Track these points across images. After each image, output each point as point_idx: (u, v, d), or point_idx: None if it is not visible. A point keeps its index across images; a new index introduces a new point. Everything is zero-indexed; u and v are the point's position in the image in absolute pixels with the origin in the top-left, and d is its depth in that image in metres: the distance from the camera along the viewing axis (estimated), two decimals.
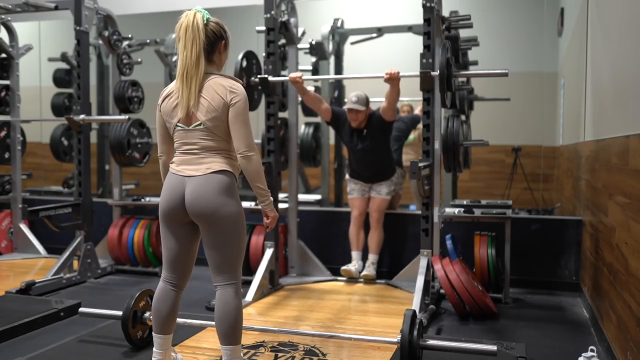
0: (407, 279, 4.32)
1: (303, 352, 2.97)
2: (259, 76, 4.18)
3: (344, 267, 4.41)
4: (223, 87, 2.31)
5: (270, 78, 4.15)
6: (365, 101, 4.43)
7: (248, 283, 4.15)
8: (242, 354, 2.48)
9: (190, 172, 2.32)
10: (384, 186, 4.58)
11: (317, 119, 5.72)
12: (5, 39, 5.44)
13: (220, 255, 2.35)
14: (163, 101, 2.41)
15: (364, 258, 4.55)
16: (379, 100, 4.49)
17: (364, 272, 4.43)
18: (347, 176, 4.82)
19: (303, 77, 4.16)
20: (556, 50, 6.26)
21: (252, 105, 4.43)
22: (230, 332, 2.37)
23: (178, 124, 2.35)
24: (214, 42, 2.36)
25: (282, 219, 4.61)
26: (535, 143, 6.39)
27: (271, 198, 2.46)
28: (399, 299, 4.08)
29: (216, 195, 2.29)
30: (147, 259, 4.78)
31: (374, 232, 4.54)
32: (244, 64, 4.28)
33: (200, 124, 2.31)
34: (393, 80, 3.96)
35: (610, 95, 3.17)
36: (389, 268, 4.54)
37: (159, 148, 2.49)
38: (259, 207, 2.52)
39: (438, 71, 3.61)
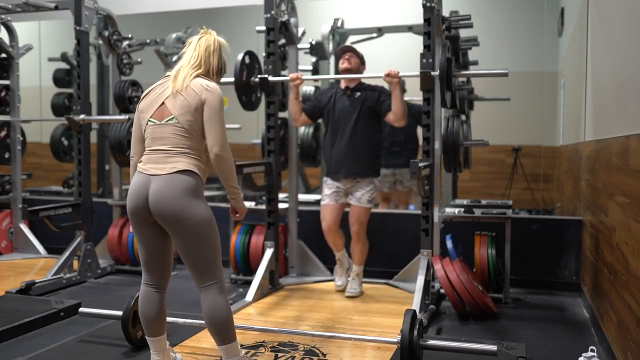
0: (407, 279, 4.33)
1: (303, 352, 2.97)
2: (259, 76, 4.18)
3: (336, 288, 4.23)
4: (200, 85, 2.36)
5: (271, 78, 4.15)
6: (359, 53, 4.16)
7: (248, 283, 4.16)
8: (240, 350, 2.48)
9: (155, 170, 2.31)
10: (365, 193, 4.04)
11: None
12: (5, 39, 5.44)
13: (194, 259, 2.34)
14: (142, 100, 2.45)
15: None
16: None
17: (348, 292, 4.11)
18: (324, 178, 4.27)
19: (303, 77, 4.12)
20: (556, 50, 6.26)
21: (252, 105, 4.42)
22: (224, 331, 2.37)
23: (150, 119, 2.37)
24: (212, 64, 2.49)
25: (282, 218, 4.61)
26: (535, 143, 6.39)
27: (242, 195, 2.53)
28: (399, 299, 4.08)
29: (180, 196, 2.27)
30: None
31: (356, 245, 4.12)
32: (246, 62, 4.24)
33: (172, 119, 2.33)
34: (392, 78, 3.85)
35: (610, 95, 3.17)
36: (389, 268, 4.53)
37: (132, 149, 2.48)
38: (228, 204, 2.58)
39: (438, 71, 3.61)
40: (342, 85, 4.17)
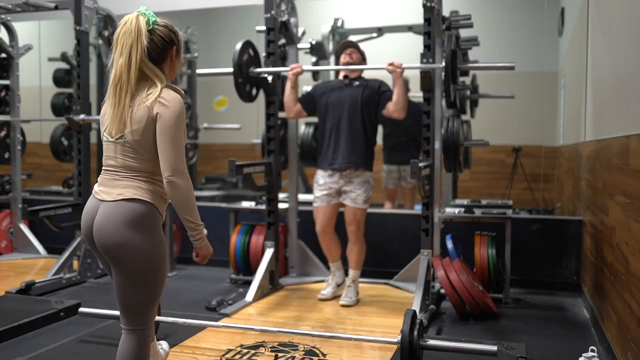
0: (407, 279, 4.33)
1: (303, 352, 2.96)
2: (259, 76, 4.17)
3: (319, 297, 3.98)
4: (154, 97, 1.94)
5: (270, 69, 4.08)
6: (361, 50, 4.07)
7: (248, 283, 4.16)
8: None
9: (103, 195, 1.99)
10: (360, 194, 3.88)
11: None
12: (5, 39, 5.43)
13: (125, 297, 2.02)
14: (102, 107, 2.10)
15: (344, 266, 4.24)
16: None
17: (342, 301, 3.89)
18: (315, 176, 4.07)
19: (303, 67, 4.03)
20: (557, 50, 6.26)
21: (250, 97, 4.27)
22: None
23: (104, 134, 2.04)
24: (163, 49, 2.02)
25: (282, 218, 4.61)
26: (535, 143, 6.39)
27: (204, 233, 2.05)
28: (399, 299, 4.08)
29: (121, 227, 1.93)
30: None
31: (353, 246, 3.97)
32: (248, 52, 4.16)
33: (122, 137, 1.97)
34: (395, 68, 3.72)
35: (610, 94, 3.17)
36: (389, 268, 4.53)
37: None
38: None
39: (443, 63, 3.57)
40: (341, 76, 4.08)
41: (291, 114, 4.12)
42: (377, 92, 3.94)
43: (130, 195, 1.95)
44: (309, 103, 4.10)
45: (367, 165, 3.94)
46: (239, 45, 4.08)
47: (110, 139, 2.00)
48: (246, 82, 4.19)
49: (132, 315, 2.03)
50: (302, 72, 4.04)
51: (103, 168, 2.05)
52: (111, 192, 1.98)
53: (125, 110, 1.95)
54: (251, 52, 4.21)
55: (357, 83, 3.99)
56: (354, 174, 3.91)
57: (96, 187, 2.05)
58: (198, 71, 4.37)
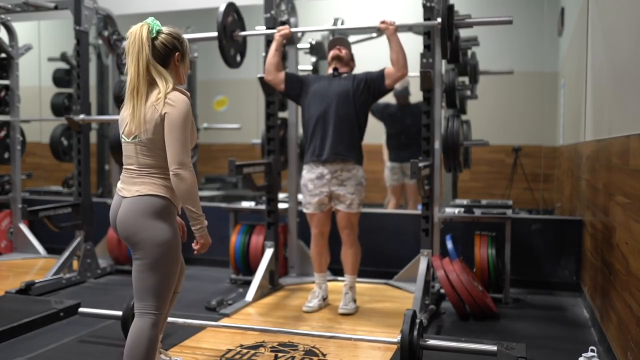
0: (407, 279, 4.33)
1: (303, 352, 2.96)
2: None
3: (304, 309, 3.75)
4: (162, 99, 2.15)
5: (253, 32, 3.93)
6: (351, 49, 3.92)
7: (248, 283, 4.15)
8: None
9: (124, 192, 2.22)
10: (355, 198, 3.67)
11: None
12: (5, 38, 5.44)
13: (140, 281, 2.19)
14: (121, 111, 2.30)
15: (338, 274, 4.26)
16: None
17: (341, 310, 3.71)
18: (302, 178, 3.83)
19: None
20: (556, 50, 6.25)
21: (232, 63, 4.10)
22: None
23: (122, 135, 2.24)
24: (166, 55, 2.21)
25: (282, 218, 4.60)
26: (535, 143, 6.39)
27: (205, 223, 2.23)
28: (399, 299, 4.08)
29: (139, 218, 2.16)
30: None
31: (348, 249, 3.80)
32: (232, 15, 4.01)
33: (135, 137, 2.18)
34: (388, 25, 3.60)
35: (610, 95, 3.17)
36: (389, 268, 4.53)
37: None
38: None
39: (439, 19, 3.48)
40: (330, 69, 3.89)
41: (270, 76, 3.83)
42: (366, 78, 3.71)
43: (146, 192, 2.18)
44: (293, 81, 3.84)
45: (357, 158, 3.69)
46: (222, 7, 3.92)
47: (128, 140, 2.22)
48: (230, 45, 4.02)
49: (144, 298, 2.19)
50: (290, 34, 3.87)
51: (124, 167, 2.26)
52: (130, 189, 2.20)
53: (140, 112, 2.16)
54: (235, 15, 4.05)
55: (345, 75, 3.80)
56: (345, 168, 3.66)
57: (119, 185, 2.26)
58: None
